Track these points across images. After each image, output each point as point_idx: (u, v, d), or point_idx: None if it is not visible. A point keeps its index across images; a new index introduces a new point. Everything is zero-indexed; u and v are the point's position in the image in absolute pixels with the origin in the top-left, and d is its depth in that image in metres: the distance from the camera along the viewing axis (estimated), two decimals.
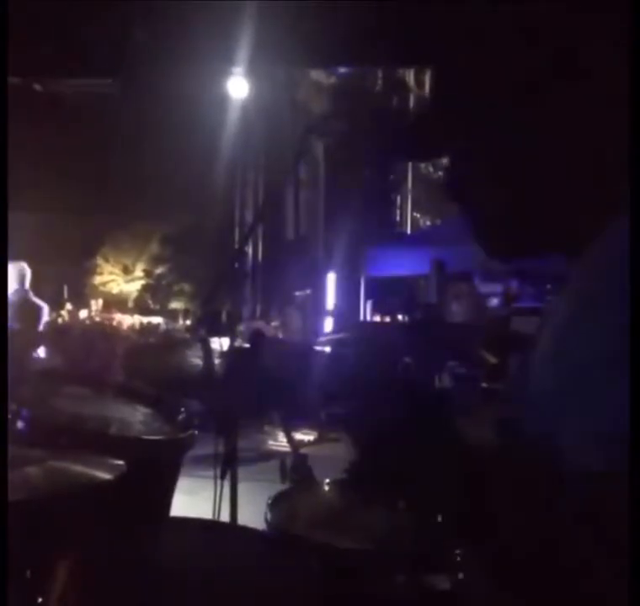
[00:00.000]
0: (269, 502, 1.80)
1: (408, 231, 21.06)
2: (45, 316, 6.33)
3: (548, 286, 8.27)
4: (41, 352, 6.09)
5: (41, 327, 6.16)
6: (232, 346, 2.58)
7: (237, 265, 2.65)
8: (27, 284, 5.94)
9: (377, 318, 14.48)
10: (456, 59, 0.82)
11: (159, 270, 21.83)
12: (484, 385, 4.42)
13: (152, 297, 21.75)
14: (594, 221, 0.73)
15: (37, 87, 12.01)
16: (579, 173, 0.77)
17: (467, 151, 0.82)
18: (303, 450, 2.29)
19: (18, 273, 5.84)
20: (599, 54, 0.74)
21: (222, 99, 13.38)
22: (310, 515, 1.84)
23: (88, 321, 16.00)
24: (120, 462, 1.62)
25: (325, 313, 13.44)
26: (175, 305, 20.86)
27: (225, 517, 2.25)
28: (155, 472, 2.10)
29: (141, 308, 20.58)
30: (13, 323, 5.42)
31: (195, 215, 17.47)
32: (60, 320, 14.37)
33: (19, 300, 5.75)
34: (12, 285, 5.68)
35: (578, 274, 0.74)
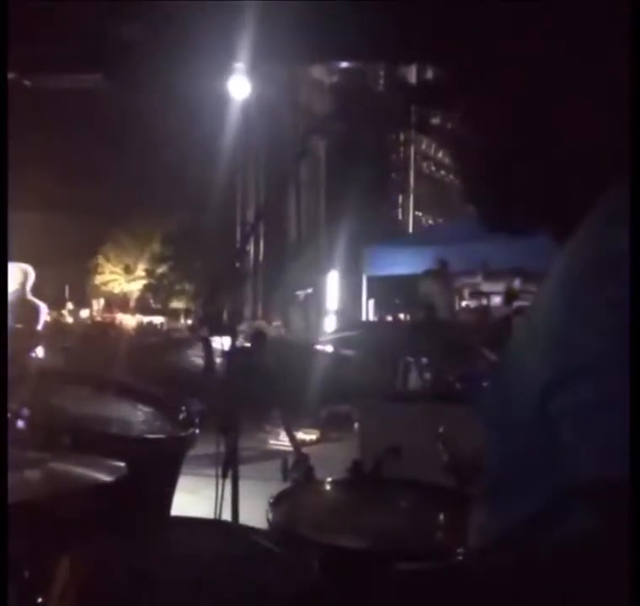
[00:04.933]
0: (271, 501, 1.79)
1: (410, 230, 21.08)
2: (44, 316, 6.32)
3: None
4: (40, 352, 6.07)
5: (40, 327, 6.15)
6: (233, 345, 2.58)
7: (238, 264, 2.64)
8: (29, 286, 5.93)
9: (379, 317, 14.49)
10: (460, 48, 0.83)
11: (161, 270, 21.85)
12: (485, 384, 4.42)
13: (154, 297, 21.77)
14: (583, 201, 0.73)
15: (38, 88, 12.00)
16: (573, 150, 0.77)
17: (469, 112, 0.83)
18: (305, 449, 2.28)
19: (22, 274, 5.84)
20: (602, 38, 0.75)
21: (223, 99, 13.38)
22: (311, 514, 1.84)
23: (89, 321, 16.03)
24: (121, 464, 1.62)
25: (327, 312, 13.44)
26: (176, 304, 20.89)
27: (226, 516, 2.25)
28: (156, 471, 2.10)
29: (142, 307, 20.61)
30: (11, 323, 5.42)
31: (197, 214, 17.49)
32: (61, 319, 14.38)
33: (17, 300, 5.74)
34: (12, 286, 5.68)
35: (561, 261, 0.74)
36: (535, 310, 0.77)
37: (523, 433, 0.72)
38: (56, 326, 12.36)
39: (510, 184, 0.81)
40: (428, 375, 5.74)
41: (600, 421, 0.60)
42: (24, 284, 5.86)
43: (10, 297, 5.59)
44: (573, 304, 0.66)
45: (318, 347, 9.09)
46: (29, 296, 5.96)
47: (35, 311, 6.00)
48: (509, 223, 0.85)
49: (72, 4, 8.66)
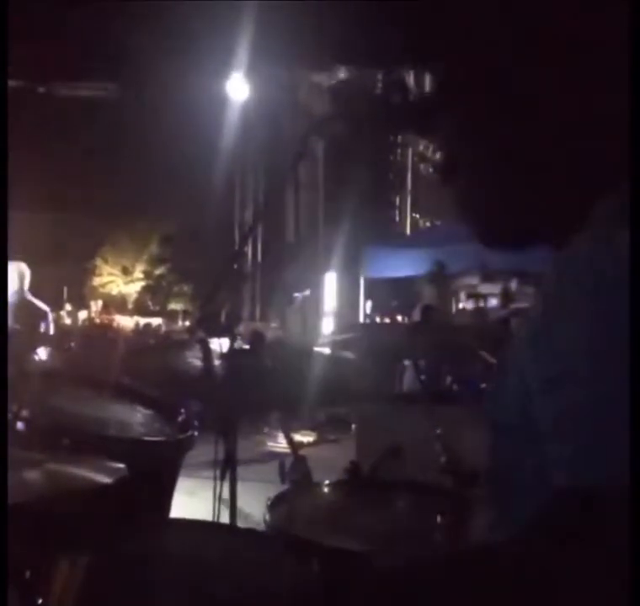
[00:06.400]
0: (269, 502, 1.80)
1: (408, 232, 21.07)
2: (50, 321, 6.27)
3: None
4: (42, 353, 6.02)
5: (50, 331, 6.11)
6: (231, 347, 2.58)
7: (236, 266, 2.64)
8: (26, 285, 5.89)
9: (377, 319, 14.49)
10: (454, 50, 0.83)
11: (159, 271, 21.83)
12: (483, 385, 4.42)
13: (152, 298, 21.74)
14: (583, 214, 0.74)
15: (40, 89, 11.99)
16: (571, 165, 0.77)
17: (462, 132, 0.83)
18: (302, 451, 2.29)
19: (18, 273, 5.78)
20: (597, 42, 0.75)
21: (223, 101, 13.38)
22: (309, 516, 1.84)
23: (87, 323, 16.00)
24: (120, 465, 1.62)
25: (324, 314, 13.43)
26: (175, 305, 20.86)
27: (224, 518, 2.25)
28: (155, 473, 2.10)
29: (140, 309, 20.58)
30: (12, 325, 5.39)
31: (195, 216, 17.47)
32: (60, 321, 14.35)
33: (18, 302, 5.70)
34: (12, 286, 5.64)
35: (557, 265, 0.74)
36: (532, 313, 0.77)
37: (521, 434, 0.73)
38: (56, 327, 12.32)
39: (507, 197, 0.81)
40: (425, 377, 5.74)
41: (589, 423, 0.61)
42: (22, 284, 5.81)
43: (11, 298, 5.57)
44: (565, 307, 0.67)
45: (316, 349, 9.09)
46: (31, 298, 5.92)
47: (39, 315, 5.95)
48: (507, 237, 0.85)
49: (72, 5, 8.66)
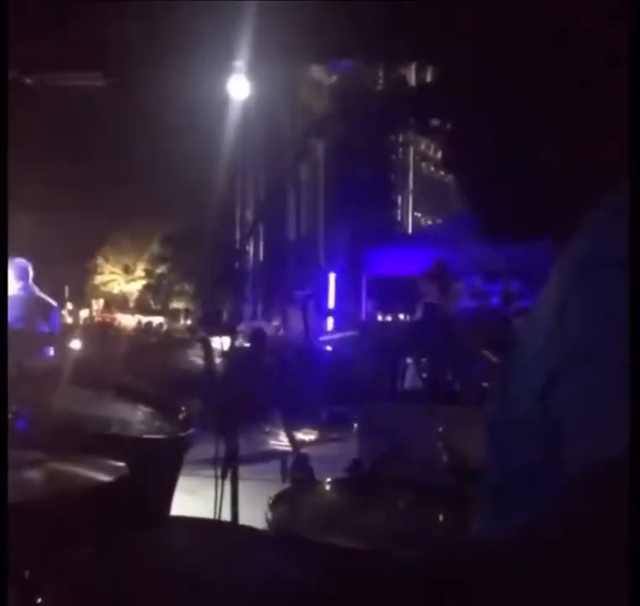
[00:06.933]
0: (270, 501, 1.79)
1: (409, 231, 21.07)
2: (57, 317, 6.26)
3: None
4: (48, 351, 5.98)
5: (56, 327, 6.09)
6: (232, 345, 2.58)
7: (237, 265, 2.64)
8: (30, 280, 5.86)
9: (379, 317, 14.49)
10: (457, 45, 0.83)
11: (160, 270, 21.84)
12: (485, 384, 4.42)
13: (153, 297, 21.75)
14: (583, 203, 0.74)
15: (39, 89, 11.99)
16: (574, 158, 0.78)
17: (465, 124, 0.83)
18: (304, 450, 2.28)
19: (20, 269, 5.76)
20: (598, 41, 0.75)
21: (223, 100, 13.37)
22: (311, 515, 1.84)
23: (88, 322, 16.01)
24: (121, 464, 1.62)
25: (326, 313, 13.44)
26: (176, 304, 20.86)
27: (226, 516, 2.25)
28: (156, 471, 2.10)
29: (141, 308, 20.59)
30: (20, 320, 5.38)
31: (196, 215, 17.47)
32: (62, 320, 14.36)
33: (29, 297, 5.68)
34: (17, 282, 5.63)
35: (562, 260, 0.75)
36: (536, 309, 0.77)
37: (523, 433, 0.73)
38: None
39: (510, 191, 0.81)
40: (427, 376, 5.74)
41: (601, 407, 0.61)
42: (27, 279, 5.79)
43: (20, 293, 5.56)
44: (572, 298, 0.67)
45: (317, 347, 9.09)
46: (40, 293, 5.90)
47: (48, 310, 5.93)
48: (511, 230, 0.85)
49: (73, 4, 8.67)
